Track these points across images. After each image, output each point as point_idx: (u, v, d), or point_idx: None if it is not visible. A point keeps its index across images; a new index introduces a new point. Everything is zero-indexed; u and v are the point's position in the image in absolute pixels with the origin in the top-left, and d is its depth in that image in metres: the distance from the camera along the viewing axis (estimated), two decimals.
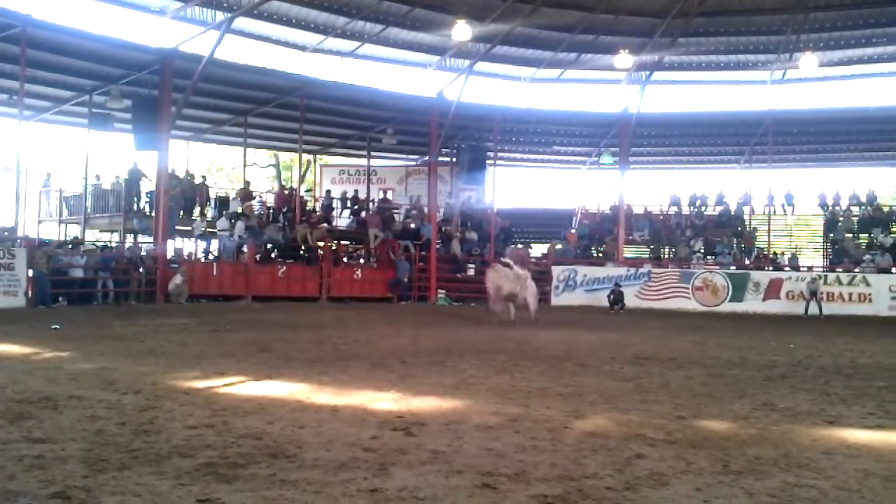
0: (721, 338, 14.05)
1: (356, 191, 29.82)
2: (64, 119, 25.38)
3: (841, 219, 29.08)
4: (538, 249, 31.00)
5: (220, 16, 21.66)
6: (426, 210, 27.90)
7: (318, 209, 27.66)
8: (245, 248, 22.74)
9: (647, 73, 28.39)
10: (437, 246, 27.00)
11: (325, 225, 25.84)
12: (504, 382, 7.73)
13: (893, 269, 25.51)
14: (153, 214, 22.08)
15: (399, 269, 25.19)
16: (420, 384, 7.51)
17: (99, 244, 23.86)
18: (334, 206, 28.87)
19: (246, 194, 25.75)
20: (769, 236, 28.61)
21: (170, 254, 22.13)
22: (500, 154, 30.40)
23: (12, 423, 5.25)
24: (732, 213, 30.75)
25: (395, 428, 5.38)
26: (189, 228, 23.91)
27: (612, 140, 30.07)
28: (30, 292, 17.85)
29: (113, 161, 33.26)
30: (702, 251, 28.43)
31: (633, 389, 7.44)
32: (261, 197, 28.45)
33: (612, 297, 23.23)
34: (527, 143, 32.29)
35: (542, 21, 25.38)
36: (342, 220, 28.89)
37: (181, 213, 23.89)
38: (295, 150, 28.93)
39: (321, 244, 24.63)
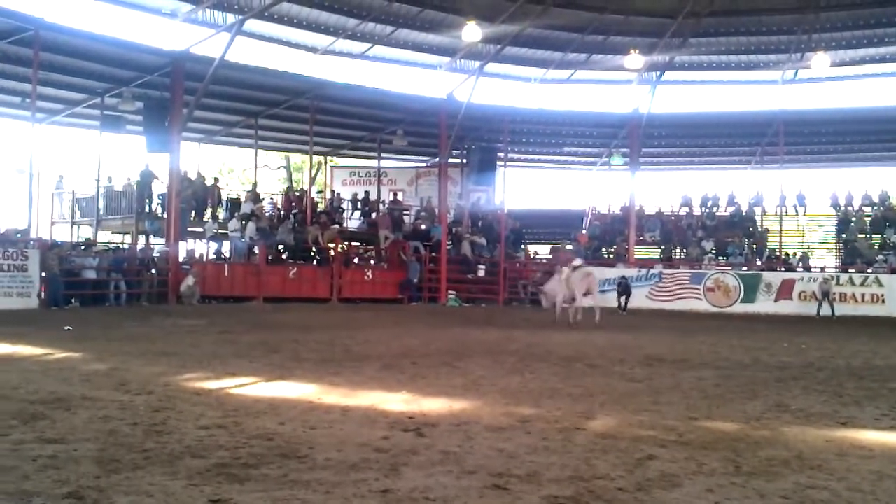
0: (733, 339, 13.98)
1: (367, 192, 29.86)
2: (76, 121, 25.54)
3: (853, 219, 28.91)
4: (547, 250, 30.97)
5: (231, 18, 21.72)
6: (437, 211, 27.91)
7: (326, 209, 27.67)
8: (256, 250, 22.81)
9: (658, 73, 28.31)
10: (448, 247, 27.00)
11: (336, 226, 25.89)
12: (515, 383, 7.73)
13: None
14: (165, 216, 22.18)
15: (410, 270, 25.21)
16: (431, 385, 7.52)
17: (111, 246, 23.98)
18: (344, 207, 28.91)
19: (254, 196, 25.84)
20: (781, 237, 28.43)
21: (181, 255, 22.21)
22: (510, 155, 30.35)
23: (26, 424, 5.28)
24: (744, 213, 30.61)
25: (406, 429, 5.39)
26: (201, 230, 24.01)
27: (622, 141, 30.01)
28: (43, 293, 17.95)
29: (125, 163, 33.39)
30: (713, 252, 28.33)
31: (644, 390, 7.43)
32: (272, 198, 28.54)
33: (619, 288, 23.12)
34: (537, 143, 32.23)
35: (552, 22, 25.35)
36: (353, 221, 28.93)
37: (193, 214, 23.99)
38: (306, 152, 28.99)
39: (332, 245, 24.68)
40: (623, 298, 22.88)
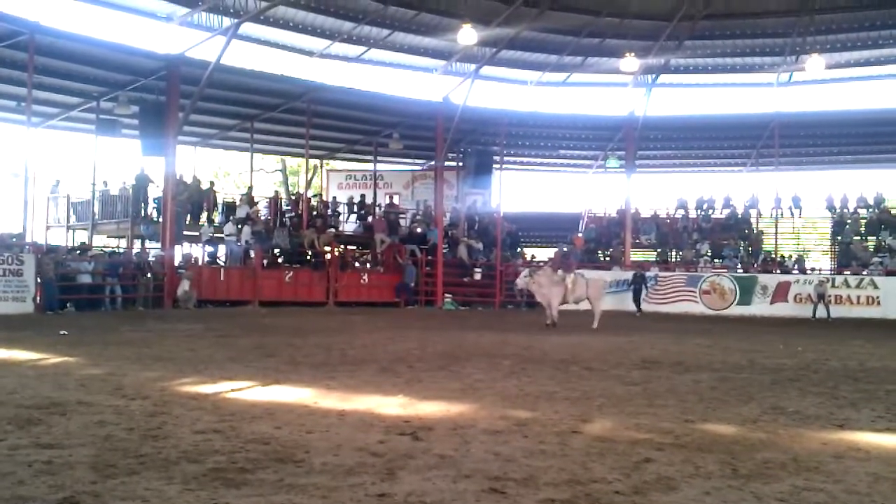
0: (729, 341, 14.00)
1: (363, 196, 29.85)
2: (71, 125, 25.48)
3: (849, 221, 28.95)
4: (544, 253, 30.94)
5: (227, 21, 21.69)
6: (433, 214, 27.88)
7: (321, 213, 27.63)
8: (252, 253, 22.78)
9: (653, 76, 28.35)
10: (444, 250, 26.99)
11: (332, 230, 25.87)
12: (511, 387, 7.72)
13: None
14: (160, 220, 22.14)
15: (406, 273, 25.19)
16: (427, 389, 7.51)
17: (107, 250, 23.93)
18: (340, 210, 28.89)
19: (249, 200, 25.80)
20: (776, 239, 28.49)
21: (177, 259, 22.17)
22: (506, 158, 30.33)
23: (21, 429, 5.27)
24: (739, 216, 30.66)
25: (403, 432, 5.39)
26: (196, 234, 23.97)
27: (618, 143, 30.03)
28: (38, 298, 17.91)
29: (120, 167, 33.33)
30: (709, 254, 28.37)
31: (640, 393, 7.43)
32: (267, 201, 28.50)
33: (634, 287, 22.81)
34: (533, 146, 32.25)
35: (547, 25, 25.37)
36: (349, 225, 28.91)
37: (188, 218, 23.96)
38: (302, 156, 28.99)
39: (328, 249, 24.66)
40: (639, 297, 22.78)
